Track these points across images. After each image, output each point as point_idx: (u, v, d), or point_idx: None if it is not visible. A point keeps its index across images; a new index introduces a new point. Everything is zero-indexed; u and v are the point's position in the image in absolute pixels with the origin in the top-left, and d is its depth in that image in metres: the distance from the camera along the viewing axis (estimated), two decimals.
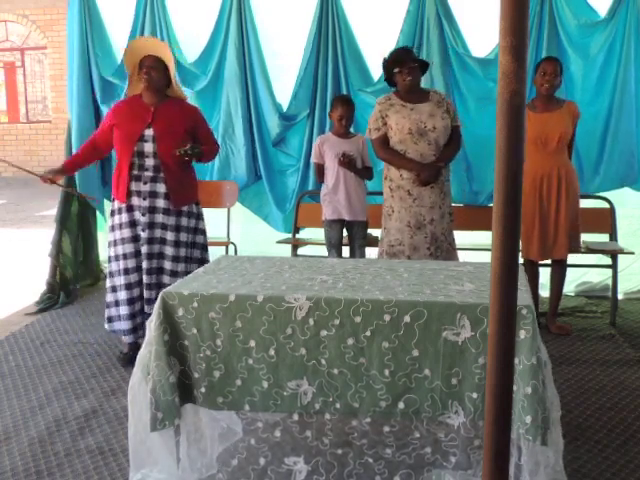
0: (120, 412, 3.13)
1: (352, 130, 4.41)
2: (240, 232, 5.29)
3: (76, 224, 5.23)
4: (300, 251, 4.85)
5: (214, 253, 4.78)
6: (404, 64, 3.89)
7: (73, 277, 5.21)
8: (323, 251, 4.50)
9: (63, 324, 4.56)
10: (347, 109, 4.24)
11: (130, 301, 3.73)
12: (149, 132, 3.65)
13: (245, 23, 4.98)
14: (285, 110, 5.05)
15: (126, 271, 3.72)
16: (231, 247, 4.94)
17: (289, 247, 4.83)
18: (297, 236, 4.98)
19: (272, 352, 2.25)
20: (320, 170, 4.36)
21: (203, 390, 2.32)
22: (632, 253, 4.55)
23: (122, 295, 3.74)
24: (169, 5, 5.08)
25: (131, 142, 3.64)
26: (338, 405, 2.25)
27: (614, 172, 4.76)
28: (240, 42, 4.99)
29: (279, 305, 2.24)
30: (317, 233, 4.81)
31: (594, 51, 4.69)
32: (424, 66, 4.06)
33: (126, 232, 3.72)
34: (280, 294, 2.26)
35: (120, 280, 3.74)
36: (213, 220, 5.21)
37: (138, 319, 3.77)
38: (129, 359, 3.67)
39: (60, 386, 3.51)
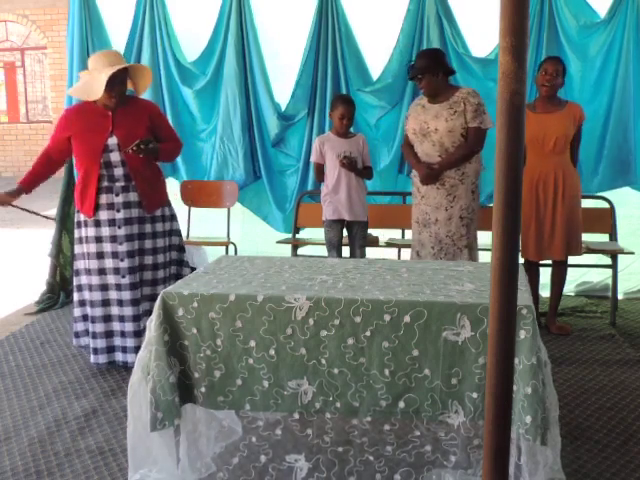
0: (120, 412, 3.13)
1: (352, 130, 4.41)
2: (240, 232, 5.29)
3: None
4: (300, 251, 4.85)
5: (214, 253, 4.80)
6: (412, 77, 4.03)
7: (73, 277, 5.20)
8: (323, 251, 4.50)
9: (63, 324, 4.55)
10: (348, 108, 4.24)
11: (93, 319, 3.60)
12: (112, 141, 3.50)
13: (245, 23, 4.98)
14: (283, 110, 5.05)
15: (91, 287, 3.61)
16: (231, 247, 4.94)
17: (289, 247, 4.83)
18: (297, 236, 4.98)
19: (272, 352, 2.26)
20: (319, 170, 4.36)
21: (203, 390, 2.32)
22: (632, 253, 4.55)
23: (88, 311, 3.64)
24: (169, 5, 5.08)
25: (96, 154, 3.49)
26: (338, 404, 2.25)
27: (613, 172, 4.76)
28: (240, 42, 4.99)
29: (279, 305, 2.24)
30: (317, 233, 4.81)
31: (593, 52, 4.69)
32: (445, 69, 3.99)
33: (92, 247, 3.58)
34: (280, 294, 2.26)
35: (88, 295, 3.64)
36: (213, 220, 5.23)
37: (99, 342, 3.61)
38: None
39: (60, 386, 3.51)
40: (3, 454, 2.77)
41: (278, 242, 4.92)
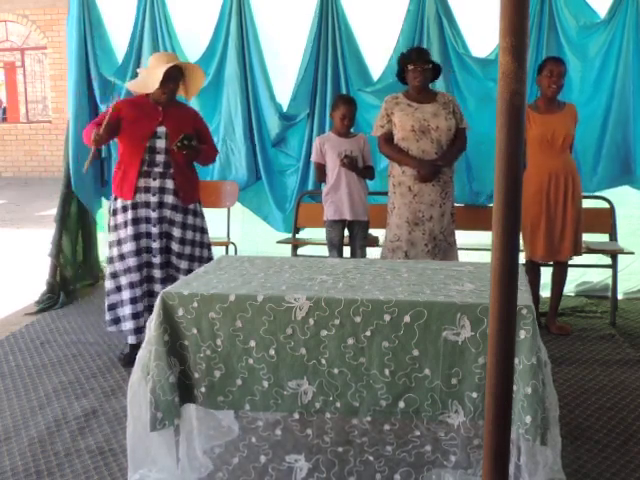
0: (120, 412, 3.13)
1: (352, 130, 4.41)
2: (240, 232, 5.28)
3: (76, 224, 5.23)
4: (300, 251, 4.85)
5: (214, 253, 4.79)
6: (416, 63, 3.99)
7: (73, 277, 5.21)
8: (323, 251, 4.50)
9: (63, 324, 4.56)
10: (349, 108, 4.25)
11: (133, 300, 3.74)
12: (162, 129, 3.71)
13: (245, 23, 4.98)
14: (285, 110, 5.06)
15: (129, 270, 3.75)
16: (231, 247, 4.94)
17: (289, 247, 4.83)
18: (297, 236, 4.98)
19: (272, 352, 2.26)
20: (320, 170, 4.36)
21: (203, 390, 2.32)
22: (632, 253, 4.55)
23: (126, 294, 3.76)
24: (169, 5, 5.08)
25: (144, 139, 3.68)
26: (338, 404, 2.25)
27: (612, 171, 4.77)
28: (240, 42, 4.99)
29: (279, 305, 2.24)
30: (317, 233, 4.81)
31: (593, 52, 4.69)
32: (437, 70, 4.15)
33: (130, 230, 3.74)
34: (280, 294, 2.26)
35: (125, 279, 3.77)
36: (213, 220, 5.20)
37: (141, 319, 3.76)
38: (129, 359, 3.67)
39: (60, 386, 3.51)
40: (3, 454, 2.77)
41: (278, 242, 4.91)
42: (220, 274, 2.58)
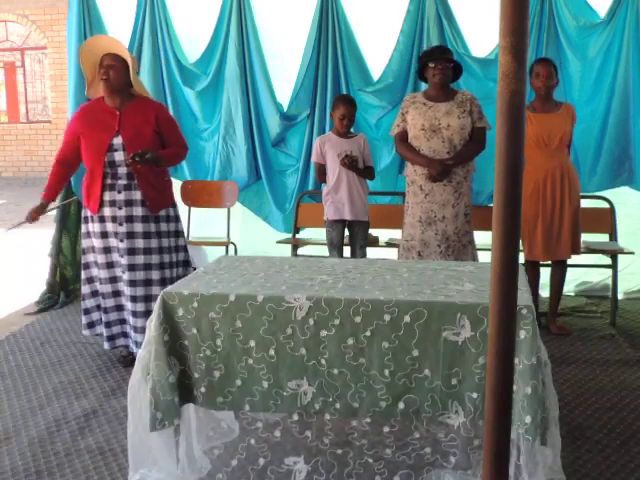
0: (120, 412, 3.13)
1: (352, 130, 4.40)
2: (240, 232, 5.28)
3: (76, 224, 5.22)
4: (300, 251, 4.85)
5: (214, 253, 4.80)
6: (437, 60, 3.97)
7: (73, 277, 5.20)
8: (323, 251, 4.50)
9: (63, 324, 4.56)
10: (349, 109, 4.25)
11: (105, 310, 3.71)
12: (118, 140, 3.54)
13: (245, 23, 4.98)
14: (285, 110, 5.06)
15: (101, 280, 3.69)
16: (231, 247, 4.94)
17: (289, 247, 4.83)
18: (297, 236, 4.98)
19: (272, 352, 2.25)
20: (321, 170, 4.36)
21: (203, 390, 2.32)
22: (632, 253, 4.55)
23: (102, 302, 3.73)
24: (169, 5, 5.08)
25: (101, 153, 3.54)
26: (338, 405, 2.24)
27: (611, 171, 4.77)
28: (240, 42, 4.99)
29: (279, 305, 2.24)
30: (317, 233, 4.80)
31: (593, 52, 4.70)
32: (458, 70, 4.13)
33: (99, 242, 3.65)
34: (280, 294, 2.26)
35: (97, 287, 3.73)
36: (213, 220, 5.22)
37: (114, 329, 3.74)
38: (130, 361, 3.66)
39: (60, 386, 3.50)
40: (3, 454, 2.77)
41: (278, 242, 4.91)
42: (220, 274, 2.58)
